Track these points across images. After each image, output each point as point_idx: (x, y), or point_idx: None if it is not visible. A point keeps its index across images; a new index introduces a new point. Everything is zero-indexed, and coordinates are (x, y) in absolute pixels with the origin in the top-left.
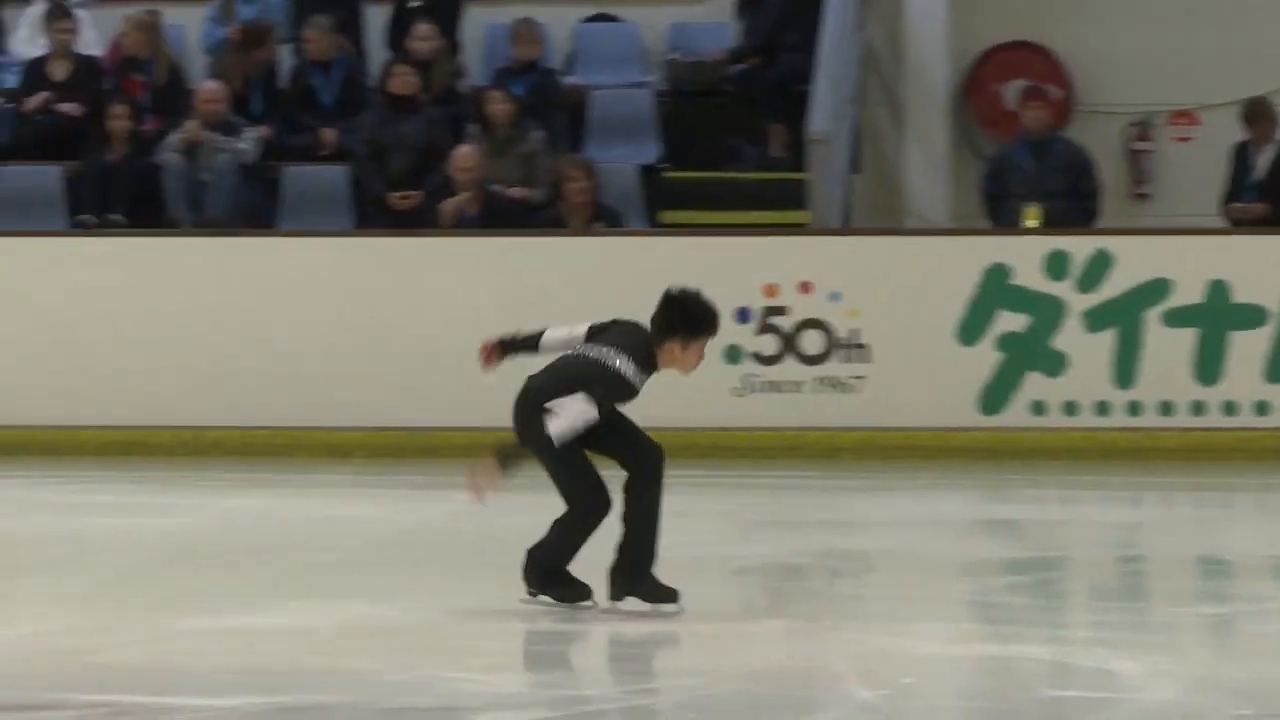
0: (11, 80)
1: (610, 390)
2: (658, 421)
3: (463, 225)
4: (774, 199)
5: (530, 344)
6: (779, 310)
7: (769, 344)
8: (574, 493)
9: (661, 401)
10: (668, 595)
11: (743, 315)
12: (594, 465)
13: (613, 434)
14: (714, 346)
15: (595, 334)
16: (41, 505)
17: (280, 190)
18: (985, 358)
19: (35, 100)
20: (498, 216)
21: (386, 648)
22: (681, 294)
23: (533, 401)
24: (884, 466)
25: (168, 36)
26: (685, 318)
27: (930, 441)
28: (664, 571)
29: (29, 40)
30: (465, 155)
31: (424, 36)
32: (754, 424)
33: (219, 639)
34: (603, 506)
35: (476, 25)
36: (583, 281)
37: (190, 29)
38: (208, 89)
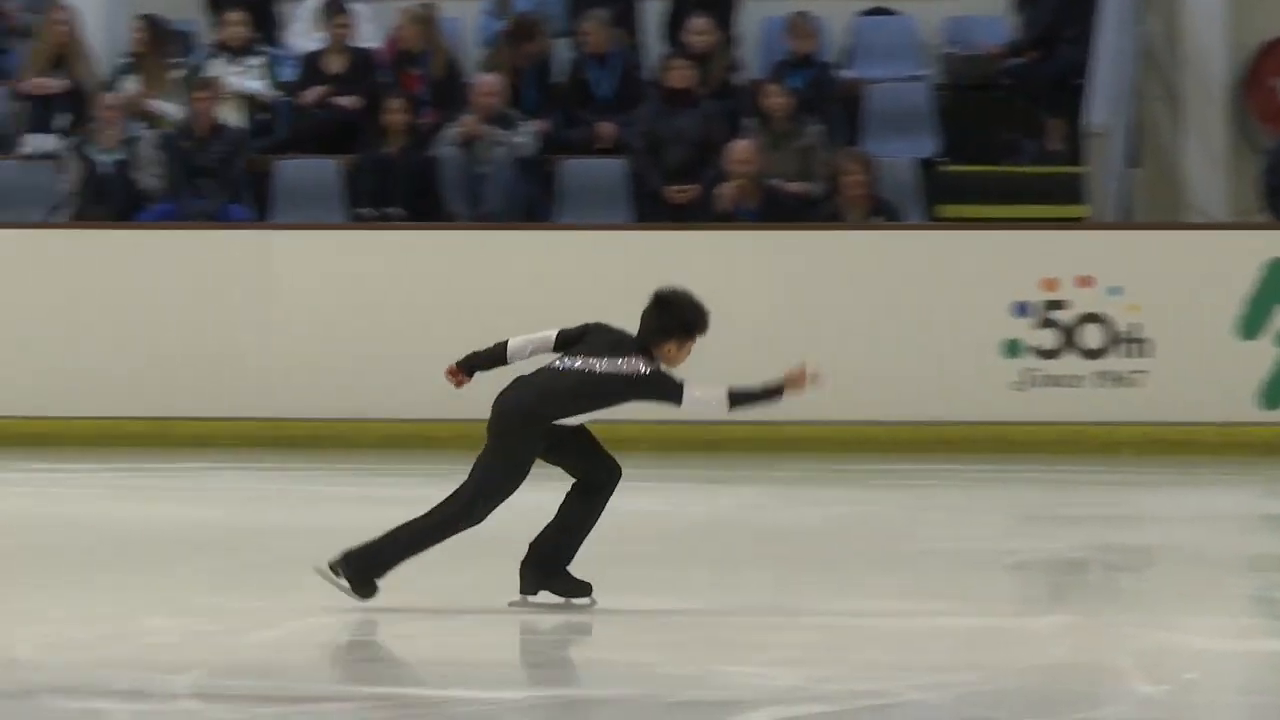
0: (289, 74)
1: (674, 384)
2: (937, 416)
3: (741, 219)
4: (1051, 193)
5: (498, 357)
6: (1058, 304)
7: (1048, 338)
8: (474, 499)
9: (941, 396)
10: (582, 589)
11: (1021, 309)
12: (509, 496)
13: (575, 448)
14: (993, 340)
15: (574, 341)
16: (327, 498)
17: (557, 183)
18: (1265, 353)
19: (312, 94)
20: (775, 210)
21: (668, 641)
22: (674, 295)
23: (535, 418)
24: (1163, 461)
25: (444, 30)
26: (682, 319)
27: (1210, 437)
28: (944, 565)
29: (305, 34)
30: (742, 149)
31: (701, 30)
32: (1033, 418)
33: (501, 631)
34: (474, 522)
35: (753, 19)
36: (861, 275)
37: (466, 22)
38: (485, 82)
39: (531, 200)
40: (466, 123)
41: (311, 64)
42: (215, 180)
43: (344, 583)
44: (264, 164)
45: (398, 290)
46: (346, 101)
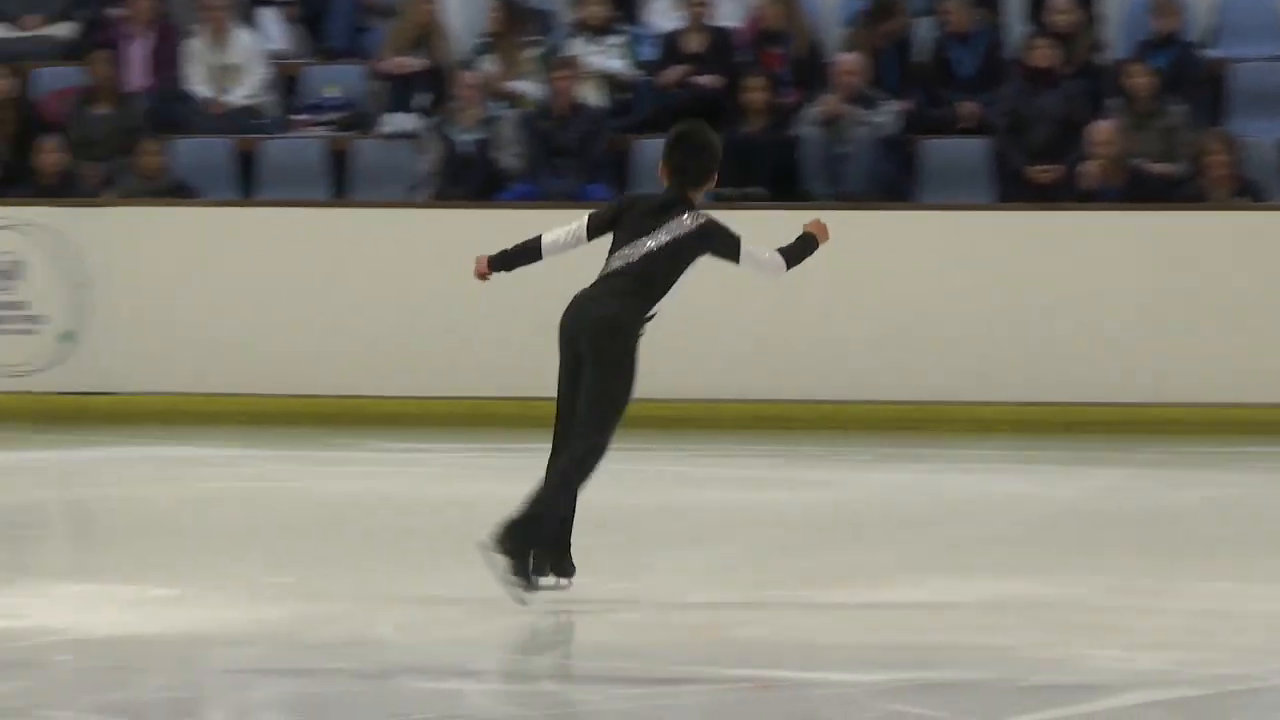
0: (648, 53)
1: (733, 236)
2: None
3: (1104, 199)
4: None
5: (531, 253)
6: None
7: None
8: (602, 427)
9: None
10: (569, 571)
11: None
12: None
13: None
14: None
15: (608, 224)
16: (679, 478)
17: (919, 163)
18: None
19: (672, 73)
20: (1139, 190)
21: (1028, 624)
22: (701, 130)
23: (629, 320)
24: None
25: (805, 9)
26: (719, 150)
27: None
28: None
29: (665, 13)
30: (1105, 129)
31: (1063, 9)
32: None
33: (861, 614)
34: (605, 451)
35: None
36: (1225, 256)
37: (827, 1)
38: (846, 61)
39: (893, 180)
40: (828, 102)
41: (671, 43)
42: (575, 160)
43: (504, 561)
44: (624, 143)
45: None
46: (706, 81)
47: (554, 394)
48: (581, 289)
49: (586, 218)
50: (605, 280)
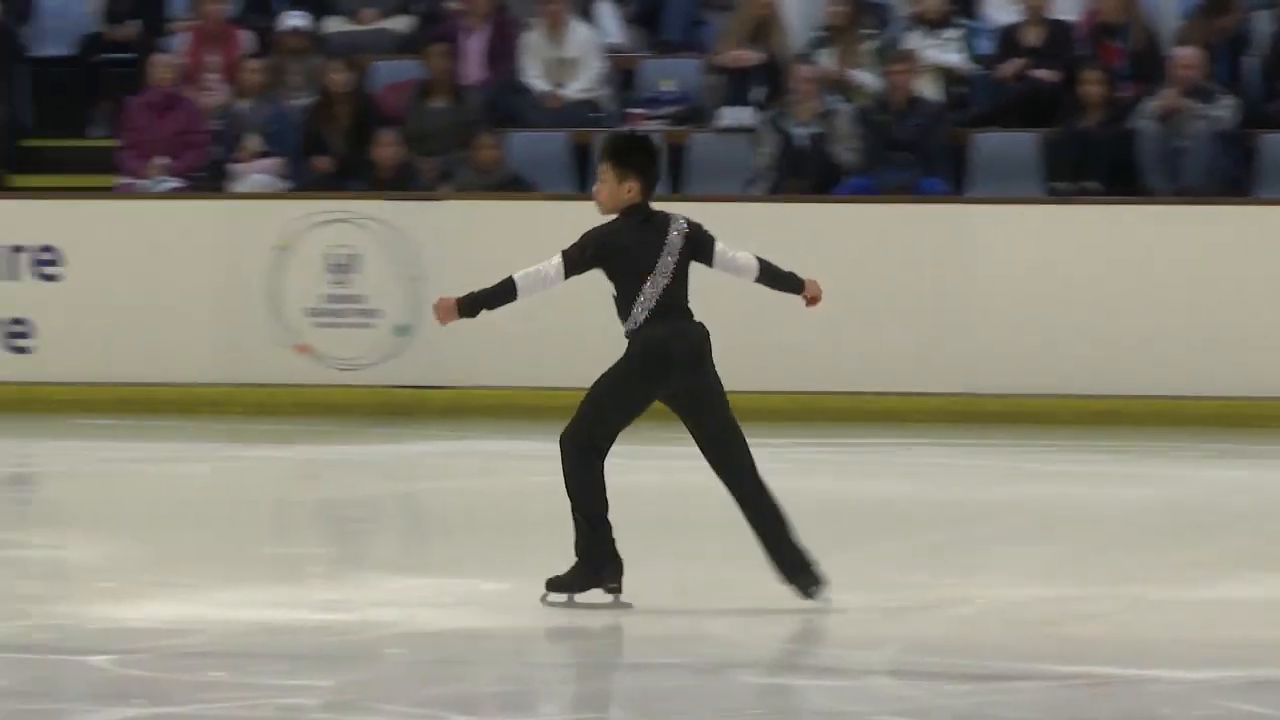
0: (985, 46)
1: (710, 236)
2: None
3: None
4: None
5: (505, 294)
6: None
7: None
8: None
9: None
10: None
11: None
12: None
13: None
14: None
15: (588, 260)
16: (1014, 474)
17: (1257, 158)
18: None
19: (1010, 67)
20: None
21: None
22: (646, 138)
23: (708, 344)
24: None
25: (1143, 2)
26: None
27: None
28: None
29: (1003, 6)
30: None
31: None
32: None
33: (1195, 610)
34: None
35: None
36: None
37: None
38: (1184, 55)
39: (1231, 174)
40: (1166, 96)
41: (1009, 36)
42: (912, 154)
43: (821, 590)
44: (961, 137)
45: (1096, 265)
46: (1044, 74)
47: (887, 390)
48: (654, 326)
49: (561, 256)
50: (665, 312)
